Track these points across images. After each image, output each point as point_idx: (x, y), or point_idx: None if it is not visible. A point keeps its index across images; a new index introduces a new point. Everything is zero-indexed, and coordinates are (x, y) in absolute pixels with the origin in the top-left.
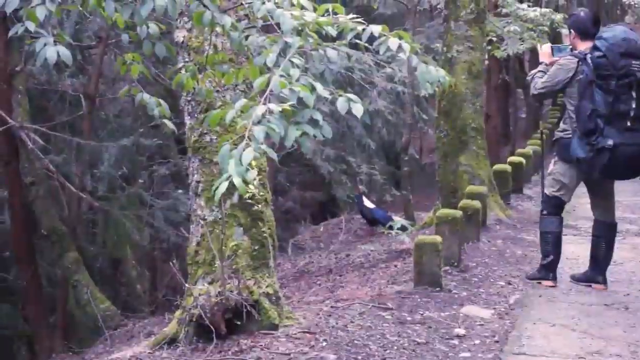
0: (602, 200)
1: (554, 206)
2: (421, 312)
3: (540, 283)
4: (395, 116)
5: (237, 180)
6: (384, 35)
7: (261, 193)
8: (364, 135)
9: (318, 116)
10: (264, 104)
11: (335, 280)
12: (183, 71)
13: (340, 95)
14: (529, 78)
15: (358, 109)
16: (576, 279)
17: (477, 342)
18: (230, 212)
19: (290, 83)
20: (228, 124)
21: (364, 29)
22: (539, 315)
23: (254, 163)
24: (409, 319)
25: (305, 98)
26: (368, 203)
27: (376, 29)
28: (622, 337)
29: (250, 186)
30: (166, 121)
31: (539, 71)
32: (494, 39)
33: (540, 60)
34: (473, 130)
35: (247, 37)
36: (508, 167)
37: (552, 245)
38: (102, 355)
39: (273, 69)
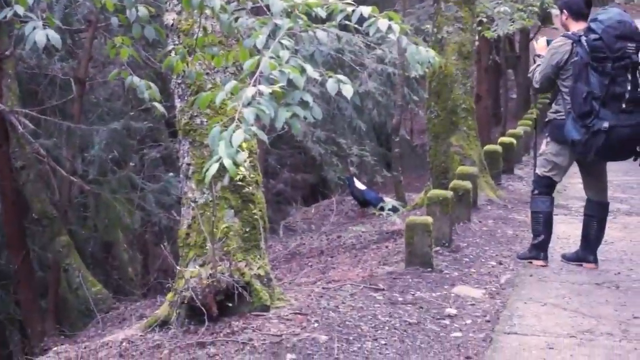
0: (595, 180)
1: (545, 186)
2: (412, 293)
3: (531, 263)
4: (386, 97)
5: (227, 162)
6: (374, 16)
7: (252, 175)
8: (355, 116)
9: (308, 98)
10: (254, 85)
11: (327, 261)
12: (173, 54)
13: (330, 77)
14: (529, 75)
15: (348, 90)
16: (567, 258)
17: (468, 321)
18: (221, 195)
19: (279, 65)
20: (218, 106)
21: (353, 10)
22: (530, 295)
23: (244, 145)
24: (400, 299)
25: (295, 80)
26: (359, 184)
27: (366, 10)
28: (613, 315)
29: (241, 168)
30: (156, 104)
31: (538, 65)
32: (484, 19)
33: (537, 53)
34: (464, 111)
35: (236, 19)
36: (499, 148)
37: (543, 225)
38: (94, 339)
39: (263, 50)
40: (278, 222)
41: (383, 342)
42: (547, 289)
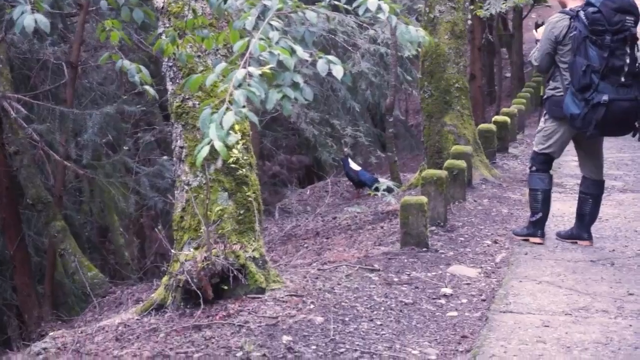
0: (591, 158)
1: (543, 162)
2: (408, 273)
3: (527, 240)
4: (379, 78)
5: (218, 144)
6: None
7: (245, 157)
8: (349, 97)
9: (298, 79)
10: (244, 67)
11: (322, 242)
12: (163, 37)
13: (320, 57)
14: (530, 59)
15: (338, 71)
16: (562, 236)
17: (464, 301)
18: (214, 177)
19: (269, 46)
20: (210, 88)
21: None
22: (525, 273)
23: (237, 127)
24: (395, 279)
25: (285, 61)
26: (354, 165)
27: None
28: (608, 292)
29: (234, 150)
30: (147, 87)
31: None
32: None
33: (537, 39)
34: (457, 90)
35: (225, 1)
36: (493, 127)
37: (541, 203)
38: (91, 323)
39: (252, 32)
40: (274, 204)
41: (379, 322)
42: (542, 267)
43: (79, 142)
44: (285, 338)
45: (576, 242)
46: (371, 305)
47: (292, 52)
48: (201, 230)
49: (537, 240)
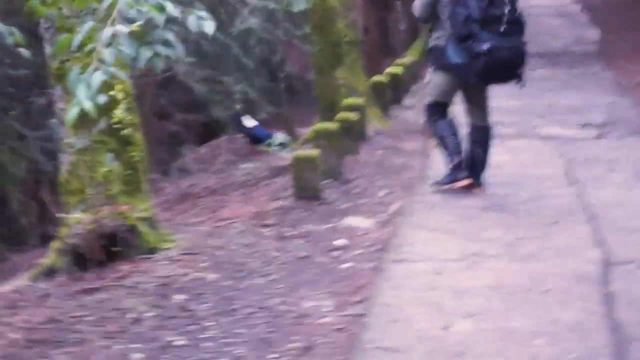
0: (477, 106)
1: (437, 111)
2: (302, 227)
3: (454, 185)
4: (269, 34)
5: (87, 105)
6: None
7: (129, 117)
8: (241, 55)
9: (169, 36)
10: (112, 25)
11: (218, 200)
12: None
13: (191, 14)
14: (413, 6)
15: (209, 27)
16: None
17: (358, 251)
18: (98, 138)
19: (137, 3)
20: (76, 49)
21: None
22: (419, 222)
23: (119, 87)
24: (289, 234)
25: (155, 18)
26: (248, 122)
27: None
28: (500, 238)
29: (117, 111)
30: (22, 50)
31: None
32: None
33: None
34: (347, 44)
35: None
36: (385, 78)
37: (453, 146)
38: None
39: None
40: (172, 164)
41: (273, 277)
42: (436, 215)
43: None
44: (178, 297)
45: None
46: (265, 261)
47: (162, 8)
48: (88, 193)
49: (465, 182)
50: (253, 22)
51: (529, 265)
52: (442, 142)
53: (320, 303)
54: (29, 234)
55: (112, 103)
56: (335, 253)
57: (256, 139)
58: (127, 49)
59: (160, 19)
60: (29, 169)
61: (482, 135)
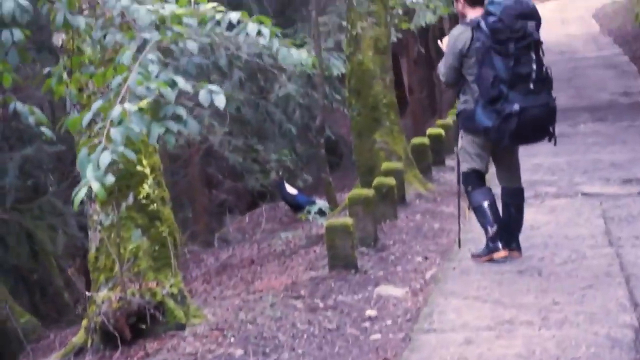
0: (507, 167)
1: (475, 179)
2: (334, 297)
3: (492, 258)
4: (308, 99)
5: (95, 186)
6: (243, 21)
7: (156, 192)
8: (284, 120)
9: (181, 111)
10: (121, 103)
11: (256, 271)
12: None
13: (202, 88)
14: (438, 70)
15: (220, 100)
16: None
17: (389, 322)
18: (126, 214)
19: (147, 80)
20: (84, 127)
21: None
22: (452, 289)
23: (145, 162)
24: (321, 305)
25: (165, 94)
26: (290, 189)
27: (235, 15)
28: (533, 303)
29: (145, 186)
30: (44, 129)
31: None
32: (400, 12)
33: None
34: (385, 107)
35: (105, 37)
36: (426, 140)
37: (491, 216)
38: None
39: (132, 66)
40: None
41: (301, 351)
42: (469, 281)
43: (2, 187)
44: None
45: (492, 259)
46: (293, 334)
47: (173, 84)
48: (116, 270)
49: (502, 254)
50: (291, 87)
51: (561, 332)
52: (478, 212)
53: None
54: (72, 310)
55: (140, 178)
56: (365, 324)
57: (298, 206)
58: (136, 126)
59: (170, 94)
60: (67, 244)
61: (514, 198)
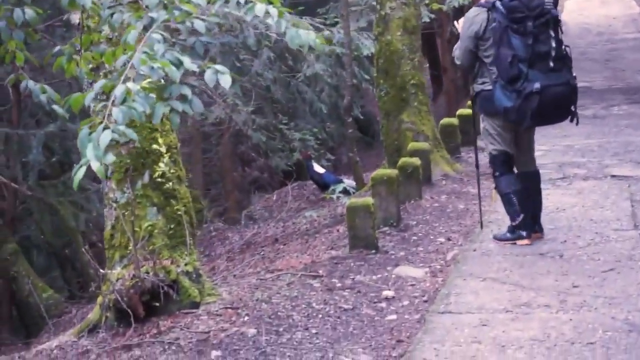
0: (525, 151)
1: (503, 163)
2: (352, 277)
3: (515, 243)
4: (336, 79)
5: (95, 165)
6: (251, 1)
7: (172, 170)
8: (315, 99)
9: (186, 91)
10: (124, 83)
11: (279, 249)
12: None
13: (208, 67)
14: (453, 53)
15: (226, 80)
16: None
17: (405, 303)
18: (142, 193)
19: (152, 60)
20: (87, 106)
21: None
22: (471, 270)
23: (161, 140)
24: (338, 285)
25: (170, 73)
26: (318, 168)
27: None
28: (552, 286)
29: (160, 164)
30: (55, 107)
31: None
32: None
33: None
34: (413, 87)
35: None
36: (454, 121)
37: (518, 204)
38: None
39: (137, 45)
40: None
41: (314, 331)
42: (489, 263)
43: (26, 164)
44: (215, 353)
45: (515, 243)
46: (308, 314)
47: (179, 63)
48: (131, 248)
49: (525, 242)
50: (319, 67)
51: (578, 316)
52: (505, 200)
53: (358, 358)
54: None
55: (156, 156)
56: (382, 305)
57: (325, 185)
58: (140, 106)
59: (176, 74)
60: (91, 221)
61: (533, 182)
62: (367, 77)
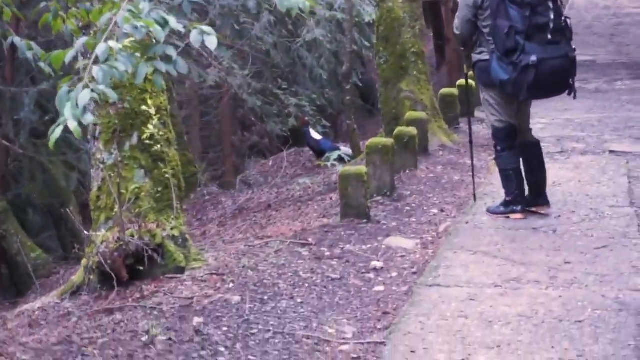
0: (523, 121)
1: (506, 137)
2: (341, 247)
3: (508, 217)
4: (336, 45)
5: (72, 124)
6: None
7: (161, 132)
8: (315, 65)
9: (171, 51)
10: (105, 41)
11: (271, 216)
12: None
13: (194, 28)
14: (454, 24)
15: (212, 42)
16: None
17: (394, 274)
18: (129, 154)
19: (136, 18)
20: (67, 64)
21: None
22: (462, 243)
23: (150, 102)
24: (327, 254)
25: (155, 32)
26: (315, 134)
27: None
28: (544, 261)
29: (149, 126)
30: (42, 64)
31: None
32: None
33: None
34: (413, 55)
35: None
36: (454, 91)
37: (514, 181)
38: (21, 306)
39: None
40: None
41: (300, 300)
42: (480, 236)
43: (19, 121)
44: (197, 320)
45: (508, 217)
46: (294, 282)
47: (165, 23)
48: (117, 210)
49: (519, 216)
50: (318, 32)
51: (568, 293)
52: (503, 175)
53: (342, 329)
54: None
55: (145, 118)
56: (369, 275)
57: (321, 152)
58: (122, 65)
59: (160, 34)
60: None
61: (535, 152)
62: (367, 44)
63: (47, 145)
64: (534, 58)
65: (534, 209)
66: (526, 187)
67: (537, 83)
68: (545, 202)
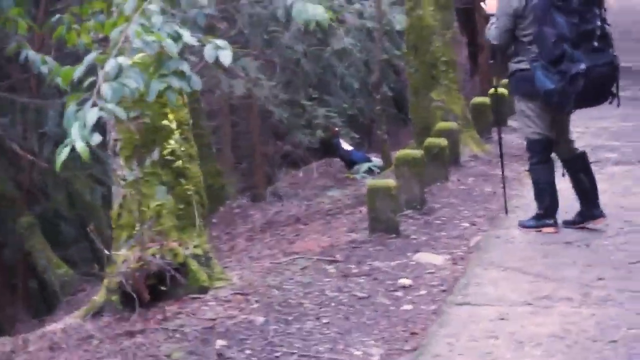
0: (562, 132)
1: (543, 149)
2: (370, 263)
3: (540, 231)
4: (365, 54)
5: (79, 145)
6: None
7: (183, 148)
8: (346, 74)
9: (185, 67)
10: (116, 56)
11: (299, 230)
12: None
13: (209, 42)
14: (486, 32)
15: (226, 56)
16: (571, 222)
17: (422, 292)
18: (151, 171)
19: (147, 32)
20: (76, 81)
21: None
22: (493, 259)
23: (171, 116)
24: (354, 271)
25: (167, 47)
26: (345, 145)
27: None
28: (576, 278)
29: (170, 141)
30: (58, 79)
31: (492, 23)
32: None
33: (489, 13)
34: (444, 64)
35: None
36: (486, 100)
37: (548, 195)
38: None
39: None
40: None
41: (325, 320)
42: (512, 251)
43: (42, 135)
44: (219, 342)
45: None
46: (321, 302)
47: (178, 37)
48: (137, 228)
49: (552, 229)
50: (347, 41)
51: (601, 310)
52: (536, 188)
53: (369, 350)
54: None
55: (166, 133)
56: (397, 293)
57: (352, 163)
58: (132, 82)
59: (173, 48)
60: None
61: (581, 164)
62: (398, 52)
63: (71, 159)
64: (583, 66)
65: (590, 225)
66: (577, 203)
67: (584, 92)
68: (601, 214)
